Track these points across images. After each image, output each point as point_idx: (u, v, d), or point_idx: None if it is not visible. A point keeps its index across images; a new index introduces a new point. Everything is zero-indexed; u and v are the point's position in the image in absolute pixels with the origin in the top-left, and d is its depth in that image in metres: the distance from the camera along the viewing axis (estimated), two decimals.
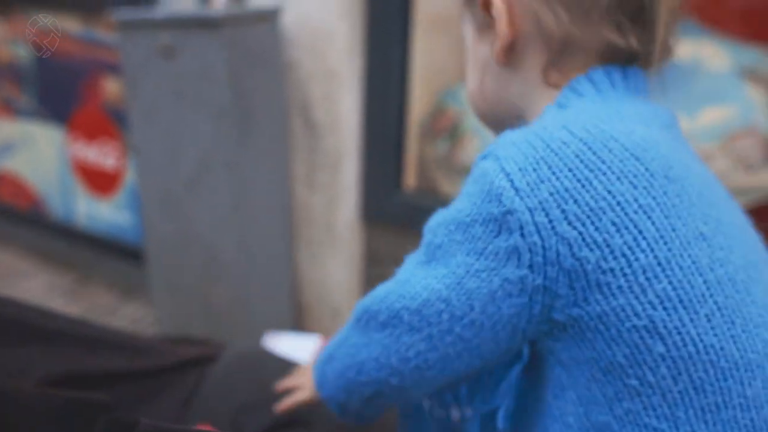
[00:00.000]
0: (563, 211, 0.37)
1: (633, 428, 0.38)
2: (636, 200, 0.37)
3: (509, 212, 0.38)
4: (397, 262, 1.78)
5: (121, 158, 2.16)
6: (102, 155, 2.21)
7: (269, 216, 1.71)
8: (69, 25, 2.14)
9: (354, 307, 0.49)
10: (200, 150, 1.57)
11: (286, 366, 0.89)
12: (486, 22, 0.50)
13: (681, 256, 0.37)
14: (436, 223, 0.45)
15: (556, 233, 0.37)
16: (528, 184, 0.38)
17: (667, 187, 0.38)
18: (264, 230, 1.70)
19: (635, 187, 0.37)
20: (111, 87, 2.09)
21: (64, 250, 2.51)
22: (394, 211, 1.72)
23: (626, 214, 0.36)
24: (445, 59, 1.96)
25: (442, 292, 0.42)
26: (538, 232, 0.37)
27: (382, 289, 0.48)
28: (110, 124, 2.14)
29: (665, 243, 0.36)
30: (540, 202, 0.37)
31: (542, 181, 0.37)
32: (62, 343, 0.77)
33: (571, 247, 0.37)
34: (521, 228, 0.38)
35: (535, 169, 0.38)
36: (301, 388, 0.71)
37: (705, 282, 0.37)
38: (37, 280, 2.42)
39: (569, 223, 0.37)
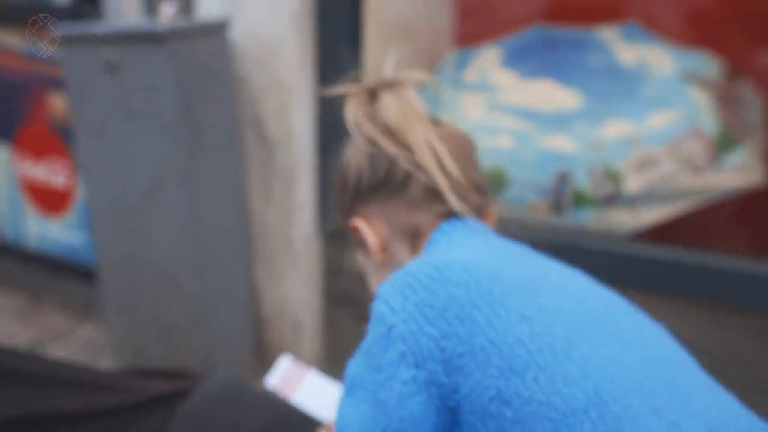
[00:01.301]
0: (425, 316, 0.51)
1: None
2: (470, 300, 0.51)
3: (391, 327, 0.52)
4: (358, 274, 1.78)
5: (71, 176, 2.10)
6: (51, 173, 2.15)
7: (225, 231, 1.68)
8: (10, 39, 2.08)
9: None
10: (151, 166, 1.53)
11: (261, 403, 0.86)
12: (361, 240, 0.70)
13: (506, 334, 0.49)
14: (351, 365, 0.57)
15: (424, 333, 0.50)
16: (399, 303, 0.52)
17: (492, 289, 0.51)
18: (220, 246, 1.67)
19: (468, 291, 0.51)
20: (57, 103, 2.03)
21: (15, 272, 2.44)
22: None
23: (463, 310, 0.50)
24: (400, 68, 1.96)
25: (368, 411, 0.52)
26: (413, 336, 0.51)
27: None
28: (58, 141, 2.08)
29: (492, 327, 0.49)
30: (409, 314, 0.51)
31: (407, 299, 0.52)
32: (14, 383, 0.73)
33: (436, 341, 0.50)
34: (401, 337, 0.51)
35: (402, 293, 0.53)
36: None
37: (528, 352, 0.48)
38: None
39: (430, 324, 0.50)
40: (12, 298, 2.37)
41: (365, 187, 0.69)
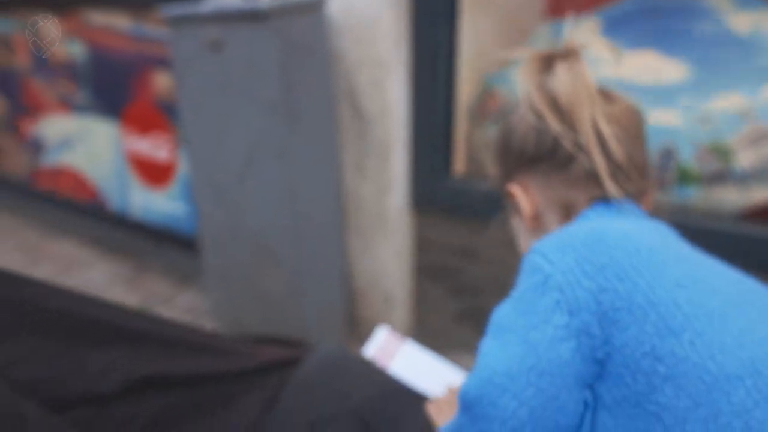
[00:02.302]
0: (583, 270, 0.53)
1: None
2: (629, 262, 0.53)
3: (548, 277, 0.54)
4: (448, 248, 1.79)
5: (173, 150, 2.21)
6: (155, 148, 2.26)
7: (320, 205, 1.72)
8: (120, 21, 2.19)
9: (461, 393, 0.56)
10: (250, 141, 1.59)
11: (369, 374, 0.88)
12: (515, 205, 0.74)
13: (664, 296, 0.51)
14: (498, 311, 0.59)
15: (581, 285, 0.53)
16: (558, 256, 0.55)
17: (651, 257, 0.54)
18: (315, 219, 1.71)
19: (628, 254, 0.54)
20: (162, 81, 2.13)
21: (122, 241, 2.59)
22: (444, 198, 1.71)
23: (623, 269, 0.53)
24: (492, 41, 1.92)
25: (515, 351, 0.53)
26: (570, 286, 0.53)
27: (471, 378, 0.56)
28: (162, 117, 2.18)
29: (651, 288, 0.51)
30: (567, 266, 0.54)
31: (566, 253, 0.55)
32: (145, 345, 0.78)
33: (593, 294, 0.52)
34: (558, 286, 0.53)
35: (561, 248, 0.56)
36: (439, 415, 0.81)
37: (684, 315, 0.50)
38: (97, 269, 2.50)
39: (588, 278, 0.53)
40: (120, 265, 2.53)
41: (528, 158, 0.71)
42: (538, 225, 0.72)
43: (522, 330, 0.53)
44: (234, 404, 0.84)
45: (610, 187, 0.65)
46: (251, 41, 1.47)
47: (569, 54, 0.69)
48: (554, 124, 0.67)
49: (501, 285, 1.70)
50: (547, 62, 0.70)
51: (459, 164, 1.76)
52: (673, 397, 0.48)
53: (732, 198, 1.43)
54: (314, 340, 1.78)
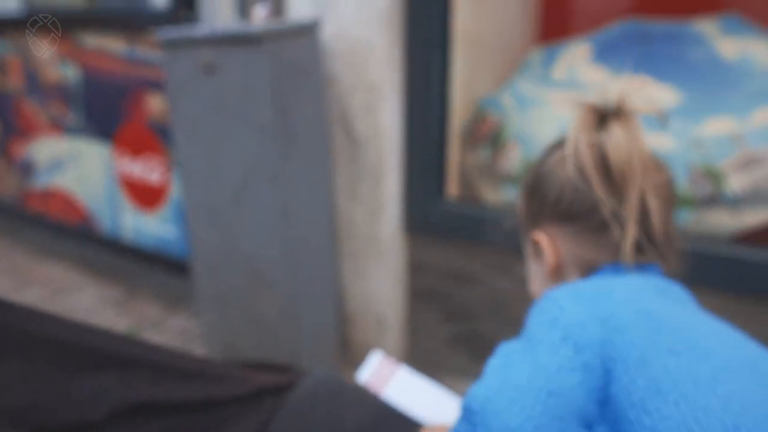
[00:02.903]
0: (590, 319, 0.57)
1: None
2: (630, 320, 0.57)
3: (557, 318, 0.59)
4: (442, 271, 1.79)
5: (165, 173, 2.20)
6: (147, 170, 2.26)
7: (313, 228, 1.72)
8: (114, 44, 2.19)
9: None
10: (243, 164, 1.58)
11: (362, 400, 0.87)
12: (537, 250, 0.74)
13: (654, 360, 0.54)
14: (506, 344, 0.63)
15: (587, 331, 0.56)
16: (568, 303, 0.60)
17: (649, 320, 0.57)
18: (308, 242, 1.70)
19: (627, 313, 0.57)
20: (155, 103, 2.13)
21: (113, 264, 2.57)
22: (438, 221, 1.71)
23: (624, 325, 0.56)
24: (485, 66, 1.94)
25: (526, 369, 0.57)
26: (577, 330, 0.57)
27: (478, 386, 0.60)
28: (155, 139, 2.18)
29: (644, 348, 0.54)
30: (576, 313, 0.58)
31: (576, 303, 0.60)
32: (135, 371, 0.76)
33: (596, 341, 0.56)
34: (566, 327, 0.57)
35: (571, 297, 0.61)
36: None
37: (672, 381, 0.52)
38: (87, 293, 2.48)
39: (594, 326, 0.57)
40: (110, 288, 2.51)
41: (561, 212, 0.70)
42: (557, 276, 0.73)
43: (531, 354, 0.57)
44: (226, 430, 0.82)
45: (633, 257, 0.66)
46: (245, 64, 1.48)
47: (625, 114, 0.67)
48: (599, 191, 0.66)
49: (495, 309, 1.70)
50: (601, 118, 0.68)
51: (452, 188, 1.76)
52: None
53: (724, 221, 1.44)
54: (307, 364, 1.76)
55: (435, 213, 1.71)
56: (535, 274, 0.77)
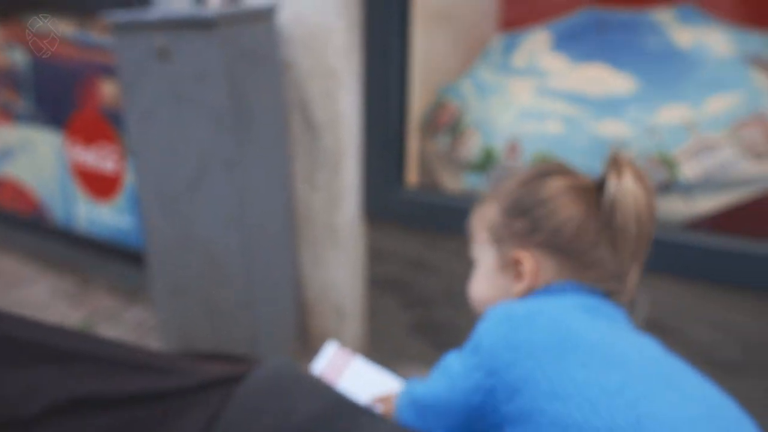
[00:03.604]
0: (507, 345, 0.64)
1: None
2: (542, 344, 0.63)
3: (480, 344, 0.66)
4: (401, 259, 1.78)
5: (120, 161, 2.14)
6: (101, 159, 2.19)
7: (271, 216, 1.69)
8: (64, 28, 2.12)
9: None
10: (199, 151, 1.55)
11: (316, 389, 0.86)
12: (510, 266, 0.76)
13: (561, 373, 0.60)
14: (448, 357, 0.73)
15: (500, 357, 0.64)
16: (494, 329, 0.66)
17: (566, 338, 0.63)
18: (266, 230, 1.68)
19: (544, 336, 0.63)
20: (108, 89, 2.07)
21: (66, 255, 2.50)
22: (397, 209, 1.70)
23: (534, 349, 0.62)
24: (446, 53, 1.93)
25: (443, 390, 0.70)
26: (492, 355, 0.64)
27: (419, 386, 0.77)
28: (108, 126, 2.12)
29: (551, 366, 0.61)
30: (495, 339, 0.65)
31: (498, 329, 0.65)
32: (76, 364, 0.73)
33: (506, 365, 0.63)
34: (484, 352, 0.65)
35: (496, 322, 0.66)
36: (387, 402, 0.94)
37: (575, 387, 0.59)
38: (40, 285, 2.41)
39: (507, 351, 0.63)
40: (64, 280, 2.44)
41: (556, 243, 0.73)
42: (521, 294, 0.75)
43: (449, 376, 0.70)
44: (173, 423, 0.80)
45: (605, 290, 0.72)
46: (199, 49, 1.44)
47: (637, 172, 0.70)
48: (602, 249, 0.71)
49: (454, 297, 1.69)
50: (617, 168, 0.71)
51: (411, 175, 1.75)
52: None
53: (678, 208, 1.46)
54: (266, 353, 1.74)
55: (394, 201, 1.70)
56: (489, 283, 0.80)
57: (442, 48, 1.94)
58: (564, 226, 0.72)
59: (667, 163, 1.45)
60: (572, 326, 0.65)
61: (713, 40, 1.54)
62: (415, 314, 1.77)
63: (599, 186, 0.72)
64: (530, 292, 0.75)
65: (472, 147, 1.70)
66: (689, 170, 1.42)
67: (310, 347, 1.95)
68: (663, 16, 1.64)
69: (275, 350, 1.80)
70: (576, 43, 1.71)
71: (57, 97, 2.24)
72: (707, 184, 1.42)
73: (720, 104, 1.43)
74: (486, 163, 1.65)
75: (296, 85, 1.67)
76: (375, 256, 1.80)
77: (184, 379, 0.82)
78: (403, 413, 0.80)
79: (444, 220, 1.61)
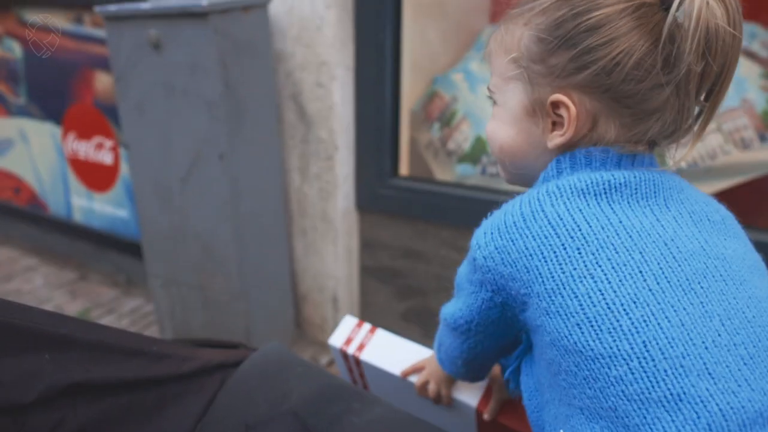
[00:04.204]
0: (501, 258, 0.59)
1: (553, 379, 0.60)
2: (540, 252, 0.56)
3: (476, 259, 0.61)
4: (394, 249, 1.80)
5: (115, 153, 2.16)
6: (97, 150, 2.21)
7: (264, 206, 1.71)
8: (59, 21, 2.13)
9: (440, 311, 0.77)
10: (193, 142, 1.56)
11: (309, 374, 0.86)
12: (545, 110, 0.61)
13: (562, 287, 0.55)
14: (459, 271, 0.69)
15: (498, 271, 0.59)
16: (485, 243, 0.60)
17: (567, 243, 0.55)
18: (259, 221, 1.70)
19: (541, 243, 0.56)
20: (103, 82, 2.08)
21: (64, 246, 2.52)
22: (390, 199, 1.71)
23: (531, 261, 0.57)
24: (439, 45, 1.94)
25: (464, 310, 0.68)
26: (490, 271, 0.60)
27: (448, 307, 0.74)
28: (104, 118, 2.13)
29: (552, 278, 0.55)
30: (490, 253, 0.59)
31: (492, 241, 0.59)
32: (73, 350, 0.74)
33: (505, 279, 0.59)
34: (482, 268, 0.61)
35: (490, 234, 0.60)
36: (432, 380, 0.92)
37: (579, 304, 0.54)
38: (38, 276, 2.42)
39: (504, 265, 0.59)
40: (61, 271, 2.46)
41: (610, 86, 0.57)
42: (550, 154, 0.63)
43: (464, 294, 0.67)
44: (171, 408, 0.81)
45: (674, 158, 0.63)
46: (192, 40, 1.45)
47: None
48: (670, 88, 0.56)
49: (446, 285, 1.71)
50: None
51: (404, 166, 1.77)
52: (555, 353, 0.56)
53: None
54: (261, 342, 1.76)
55: (387, 191, 1.71)
56: (515, 128, 0.65)
57: (435, 39, 1.95)
58: (621, 62, 0.56)
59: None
60: (578, 224, 0.56)
61: None
62: (408, 303, 1.79)
63: (668, 4, 0.56)
64: (572, 146, 0.61)
65: (463, 138, 1.72)
66: (675, 159, 1.44)
67: (304, 336, 1.97)
68: None
69: (271, 338, 1.82)
70: None
71: (53, 90, 2.25)
72: (694, 172, 1.43)
73: None
74: (477, 153, 1.67)
75: (289, 77, 1.69)
76: (368, 245, 1.82)
77: (180, 364, 0.84)
78: (446, 340, 0.77)
79: (436, 210, 1.63)
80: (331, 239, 1.78)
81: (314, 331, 1.93)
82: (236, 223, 1.61)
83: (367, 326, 1.02)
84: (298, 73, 1.66)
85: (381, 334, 1.01)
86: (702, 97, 0.60)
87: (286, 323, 1.90)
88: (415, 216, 1.68)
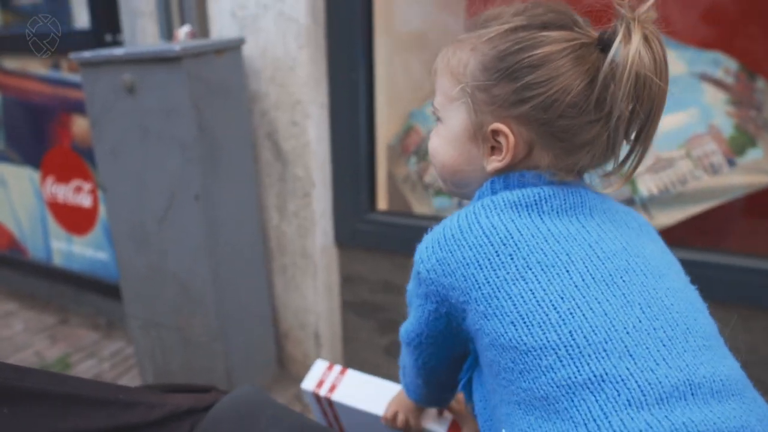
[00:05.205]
0: (442, 270, 0.62)
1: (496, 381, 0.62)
2: (476, 261, 0.60)
3: (419, 272, 0.65)
4: (374, 283, 1.80)
5: (94, 196, 2.15)
6: (75, 193, 2.20)
7: (242, 246, 1.71)
8: (35, 66, 2.14)
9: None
10: (168, 184, 1.57)
11: (282, 417, 0.86)
12: (485, 136, 0.65)
13: (497, 290, 0.58)
14: (408, 288, 0.72)
15: (440, 283, 0.63)
16: (426, 256, 0.63)
17: (501, 251, 0.59)
18: (237, 260, 1.69)
19: (477, 252, 0.60)
20: (80, 125, 2.09)
21: (44, 290, 2.49)
22: (368, 234, 1.72)
23: (468, 269, 0.60)
24: (420, 77, 1.97)
25: (414, 324, 0.71)
26: (432, 283, 0.63)
27: (403, 326, 0.76)
28: (81, 162, 2.13)
29: (488, 284, 0.59)
30: (432, 266, 0.63)
31: (433, 254, 0.63)
32: (41, 403, 0.74)
33: (446, 289, 0.62)
34: (425, 281, 0.64)
35: (432, 247, 0.63)
36: (400, 411, 0.94)
37: (513, 304, 0.57)
38: (18, 321, 2.39)
39: (444, 276, 0.62)
40: (42, 316, 2.43)
41: (546, 120, 0.61)
42: (495, 171, 0.66)
43: (413, 309, 0.70)
44: None
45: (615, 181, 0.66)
46: (165, 83, 1.47)
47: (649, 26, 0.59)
48: (602, 124, 0.60)
49: None
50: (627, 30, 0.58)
51: (382, 201, 1.78)
52: (497, 355, 0.59)
53: None
54: (243, 381, 1.74)
55: (365, 226, 1.72)
56: (456, 148, 0.68)
57: (417, 72, 1.98)
58: (558, 100, 0.59)
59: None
60: (510, 232, 0.60)
61: (668, 59, 1.59)
62: (391, 336, 1.78)
63: (605, 44, 0.60)
64: (509, 170, 0.65)
65: None
66: (646, 185, 1.46)
67: (287, 375, 1.95)
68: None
69: (252, 378, 1.80)
70: None
71: (31, 135, 2.26)
72: (664, 198, 1.45)
73: (675, 120, 1.47)
74: None
75: (264, 116, 1.70)
76: (348, 281, 1.81)
77: (150, 412, 0.83)
78: (405, 360, 0.80)
79: (415, 243, 1.63)
80: (311, 275, 1.78)
81: (297, 368, 1.92)
82: (213, 263, 1.60)
83: (337, 368, 1.03)
84: (273, 113, 1.68)
85: (352, 374, 1.02)
86: (633, 136, 0.63)
87: (268, 361, 1.88)
88: (394, 250, 1.68)
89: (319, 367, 1.04)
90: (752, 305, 1.27)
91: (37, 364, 2.06)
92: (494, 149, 0.65)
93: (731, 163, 1.44)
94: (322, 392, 0.99)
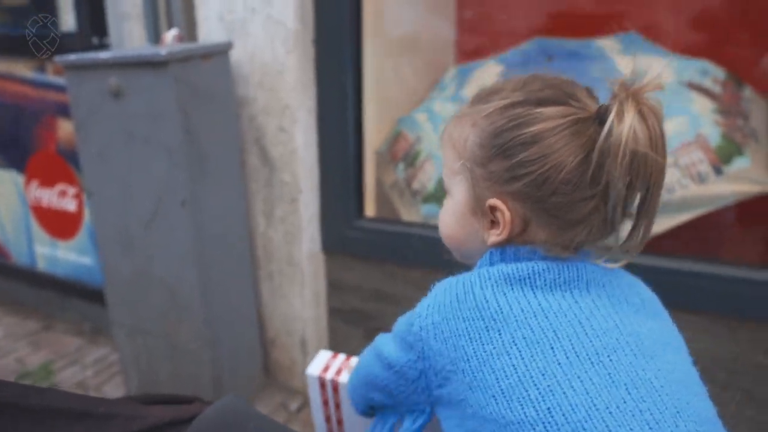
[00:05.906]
0: (435, 335, 0.63)
1: None
2: (467, 333, 0.61)
3: (413, 324, 0.66)
4: (361, 291, 1.78)
5: (79, 200, 2.13)
6: (60, 198, 2.18)
7: (229, 251, 1.69)
8: (21, 69, 2.12)
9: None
10: (155, 189, 1.55)
11: (264, 428, 0.85)
12: (484, 210, 0.66)
13: (483, 365, 0.59)
14: (398, 321, 0.72)
15: (429, 344, 0.64)
16: (426, 314, 0.64)
17: (490, 325, 0.60)
18: (224, 266, 1.68)
19: (469, 325, 0.61)
20: (65, 129, 2.07)
21: (28, 295, 2.46)
22: (356, 240, 1.71)
23: (459, 341, 0.61)
24: (411, 82, 1.97)
25: (392, 354, 0.71)
26: (422, 340, 0.65)
27: (385, 338, 0.76)
28: (66, 166, 2.11)
29: (476, 357, 0.60)
30: (427, 326, 0.64)
31: (431, 314, 0.64)
32: (11, 418, 0.73)
33: (434, 353, 0.64)
34: (417, 334, 0.65)
35: (433, 306, 0.64)
36: None
37: (496, 378, 0.58)
38: (1, 326, 2.36)
39: (435, 341, 0.63)
40: (24, 321, 2.40)
41: (540, 197, 0.61)
42: (494, 245, 0.67)
43: (396, 343, 0.70)
44: None
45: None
46: (151, 88, 1.45)
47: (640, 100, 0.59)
48: (598, 200, 0.60)
49: None
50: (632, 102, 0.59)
51: (370, 207, 1.77)
52: (478, 426, 0.60)
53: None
54: (230, 389, 1.72)
55: (353, 232, 1.71)
56: (459, 221, 0.70)
57: (408, 76, 1.97)
58: (551, 177, 0.59)
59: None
60: (501, 307, 0.61)
61: (654, 66, 1.59)
62: None
63: (602, 118, 0.59)
64: (507, 244, 0.66)
65: (427, 178, 1.73)
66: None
67: (274, 382, 1.93)
68: (608, 44, 1.70)
69: (239, 385, 1.78)
70: (525, 72, 1.76)
71: (15, 138, 2.23)
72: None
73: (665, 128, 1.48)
74: (441, 193, 1.68)
75: (252, 121, 1.69)
76: (335, 288, 1.80)
77: (129, 424, 0.82)
78: (365, 360, 0.81)
79: (403, 251, 1.63)
80: (298, 282, 1.76)
81: (284, 374, 1.90)
82: (201, 269, 1.59)
83: (342, 356, 1.04)
84: (261, 118, 1.67)
85: (356, 360, 1.01)
86: (634, 210, 0.63)
87: (255, 368, 1.87)
88: (381, 257, 1.67)
89: (323, 355, 1.05)
90: (739, 315, 1.27)
91: (18, 371, 2.03)
92: (493, 223, 0.66)
93: (718, 171, 1.44)
94: (329, 376, 1.00)
